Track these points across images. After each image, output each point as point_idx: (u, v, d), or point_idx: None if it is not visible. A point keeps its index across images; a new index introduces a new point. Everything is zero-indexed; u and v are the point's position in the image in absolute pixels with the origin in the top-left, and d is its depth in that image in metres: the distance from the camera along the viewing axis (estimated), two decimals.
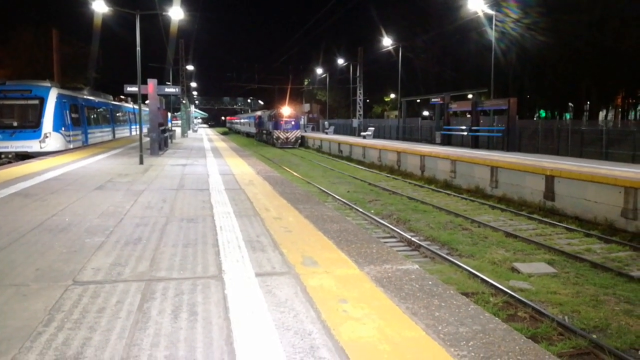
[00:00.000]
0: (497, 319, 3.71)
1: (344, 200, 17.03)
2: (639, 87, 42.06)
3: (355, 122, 50.31)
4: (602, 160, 19.37)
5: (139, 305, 3.83)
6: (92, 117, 27.43)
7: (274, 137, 48.57)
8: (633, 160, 18.86)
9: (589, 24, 33.71)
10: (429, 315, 3.69)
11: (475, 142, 28.36)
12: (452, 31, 43.81)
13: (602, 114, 47.57)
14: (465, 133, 29.35)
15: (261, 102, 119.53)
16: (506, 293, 7.96)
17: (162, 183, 11.24)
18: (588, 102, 45.22)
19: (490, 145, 27.56)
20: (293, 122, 48.85)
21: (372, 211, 15.34)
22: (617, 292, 8.28)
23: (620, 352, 6.05)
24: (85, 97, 26.23)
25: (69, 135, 21.64)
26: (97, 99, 29.05)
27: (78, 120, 23.58)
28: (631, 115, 46.76)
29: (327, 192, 18.95)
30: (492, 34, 29.92)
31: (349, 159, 35.51)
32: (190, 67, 54.45)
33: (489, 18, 30.63)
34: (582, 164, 17.10)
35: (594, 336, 6.56)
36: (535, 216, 14.48)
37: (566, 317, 7.23)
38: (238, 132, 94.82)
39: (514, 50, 39.91)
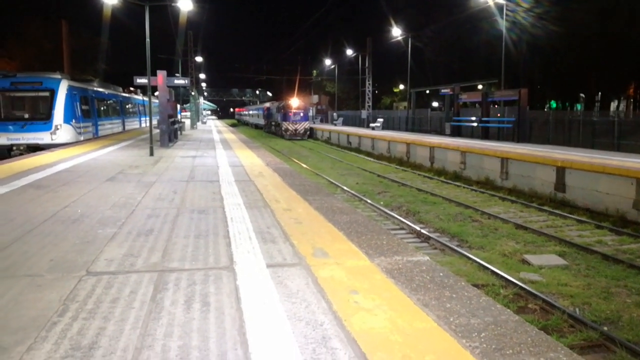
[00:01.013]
0: (508, 310, 3.71)
1: (353, 192, 17.03)
2: None
3: (364, 114, 50.20)
4: (614, 152, 19.20)
5: (152, 295, 3.87)
6: (102, 108, 27.56)
7: (283, 128, 48.55)
8: None
9: (599, 12, 33.29)
10: (440, 306, 3.69)
11: (485, 133, 28.20)
12: (462, 21, 43.46)
13: (613, 105, 47.07)
14: (475, 124, 29.18)
15: (269, 94, 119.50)
16: (517, 285, 7.94)
17: (173, 175, 11.29)
18: (599, 93, 44.76)
19: (500, 136, 27.40)
20: (302, 114, 48.78)
21: (382, 203, 15.32)
22: (629, 284, 8.23)
23: (631, 344, 6.02)
24: (95, 88, 26.35)
25: (80, 127, 21.77)
26: (107, 91, 29.17)
27: (88, 112, 23.71)
28: None
29: (336, 184, 18.95)
30: (502, 24, 29.63)
31: (357, 150, 35.44)
32: (199, 59, 54.52)
33: (500, 8, 30.32)
34: (594, 155, 16.96)
35: (605, 328, 6.54)
36: (545, 208, 14.40)
37: (577, 309, 7.21)
38: (247, 124, 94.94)
39: (524, 40, 39.53)
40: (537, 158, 16.59)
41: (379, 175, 21.81)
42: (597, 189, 13.91)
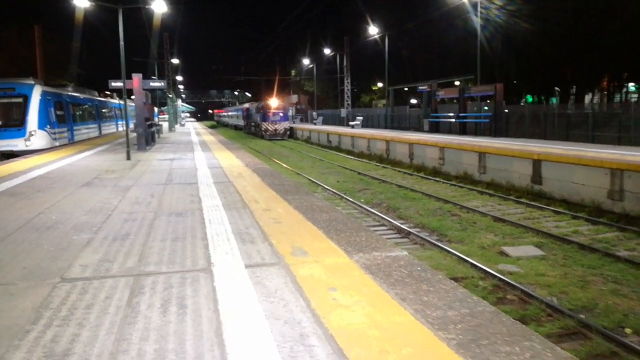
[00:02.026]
0: (485, 302, 3.75)
1: (333, 190, 17.05)
2: (624, 70, 42.33)
3: (343, 112, 50.32)
4: (588, 143, 19.54)
5: (128, 300, 3.82)
6: (78, 113, 27.15)
7: (263, 129, 48.38)
8: (619, 142, 19.05)
9: (573, 10, 33.85)
10: (417, 300, 3.72)
11: (463, 129, 28.48)
12: (438, 18, 43.83)
13: (588, 98, 47.89)
14: (453, 120, 29.46)
15: (248, 95, 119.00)
16: (495, 277, 8.04)
17: (150, 178, 11.18)
18: (574, 86, 45.51)
19: (478, 131, 27.70)
20: (281, 114, 48.67)
21: (362, 200, 15.37)
22: (605, 273, 8.38)
23: (608, 330, 6.14)
24: (70, 93, 25.96)
25: (55, 133, 21.43)
26: (82, 95, 28.75)
27: (63, 117, 23.34)
28: (617, 98, 47.08)
29: (316, 183, 18.96)
30: (477, 21, 29.94)
31: (338, 149, 35.51)
32: (175, 61, 54.06)
33: (474, 5, 30.63)
34: (569, 148, 17.24)
35: (582, 316, 6.65)
36: (523, 200, 14.60)
37: (554, 299, 7.32)
38: (226, 125, 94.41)
39: (499, 36, 40.01)
40: (513, 152, 16.80)
41: (359, 173, 21.88)
42: (573, 180, 14.15)
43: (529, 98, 52.60)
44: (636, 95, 47.19)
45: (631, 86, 48.74)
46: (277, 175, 11.32)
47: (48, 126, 20.65)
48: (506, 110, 26.53)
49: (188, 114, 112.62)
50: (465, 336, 3.11)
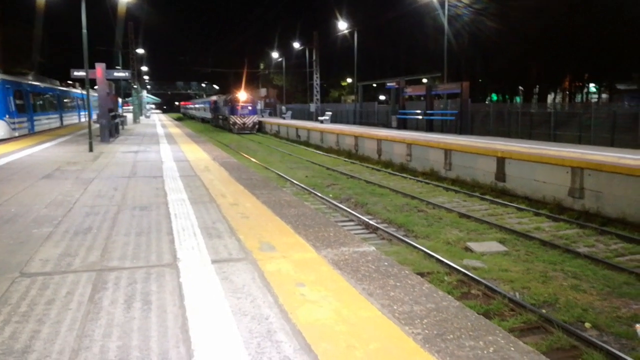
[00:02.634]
0: (450, 297, 3.80)
1: (302, 185, 17.03)
2: (585, 70, 43.58)
3: (312, 107, 50.23)
4: (550, 142, 20.05)
5: (90, 295, 3.73)
6: (38, 103, 26.33)
7: (231, 122, 47.90)
8: (580, 141, 19.62)
9: (536, 9, 34.59)
10: (384, 295, 3.74)
11: (429, 126, 28.81)
12: (407, 15, 44.15)
13: (550, 97, 49.15)
14: (420, 117, 29.77)
15: (216, 87, 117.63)
16: (460, 272, 8.18)
17: (113, 171, 10.93)
18: (537, 86, 46.61)
19: (444, 128, 28.06)
20: (250, 107, 48.28)
21: (331, 195, 15.40)
22: (565, 268, 8.63)
23: (568, 325, 6.32)
24: (30, 82, 25.14)
25: (14, 123, 20.73)
26: (43, 85, 27.89)
27: (23, 107, 22.60)
28: (578, 98, 48.48)
29: (285, 178, 18.90)
30: (445, 19, 30.30)
31: (307, 143, 35.47)
32: (140, 51, 52.95)
33: (442, 3, 30.97)
34: (532, 146, 17.65)
35: (544, 311, 6.82)
36: (487, 197, 14.89)
37: (517, 294, 7.49)
38: (193, 118, 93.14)
39: (465, 35, 40.61)
40: (478, 149, 17.11)
41: (328, 168, 21.91)
42: (535, 178, 14.50)
43: (494, 97, 53.65)
44: (596, 96, 48.68)
45: (592, 87, 50.26)
46: (245, 170, 11.23)
47: (7, 116, 19.96)
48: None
49: (153, 106, 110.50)
50: (431, 331, 3.15)
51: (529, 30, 35.78)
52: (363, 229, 11.54)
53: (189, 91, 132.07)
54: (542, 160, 14.23)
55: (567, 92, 49.44)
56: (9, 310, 3.46)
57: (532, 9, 34.40)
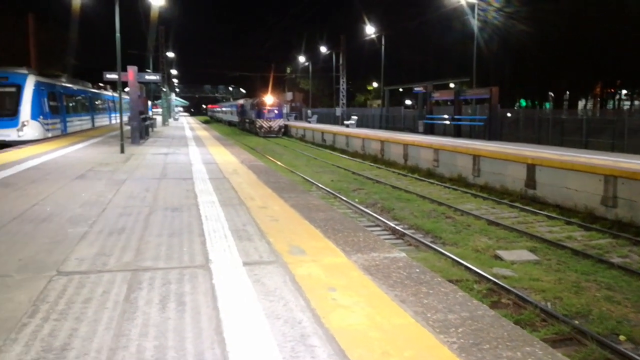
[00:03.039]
0: (484, 305, 3.74)
1: (328, 189, 17.04)
2: (618, 77, 42.64)
3: (338, 111, 50.27)
4: (582, 149, 19.65)
5: (126, 295, 3.78)
6: (71, 105, 26.95)
7: (257, 126, 48.22)
8: (612, 149, 19.17)
9: (568, 13, 34.03)
10: (417, 302, 3.71)
11: (457, 131, 28.54)
12: (436, 19, 43.89)
13: (581, 104, 48.20)
14: (448, 122, 29.51)
15: (243, 91, 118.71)
16: (490, 280, 8.06)
17: (144, 172, 11.10)
18: (567, 92, 45.75)
19: (472, 134, 27.76)
20: (276, 111, 48.54)
21: (357, 200, 15.37)
22: (598, 279, 8.43)
23: (602, 337, 6.16)
24: (63, 84, 25.74)
25: (48, 124, 21.24)
26: (75, 87, 28.53)
27: (56, 108, 23.15)
28: (609, 105, 47.44)
29: (311, 181, 18.94)
30: (474, 23, 30.02)
31: (332, 148, 35.48)
32: (170, 54, 53.80)
33: (472, 7, 30.70)
34: (563, 153, 17.33)
35: (577, 322, 6.68)
36: (516, 204, 14.65)
37: (549, 304, 7.35)
38: (219, 121, 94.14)
39: (496, 39, 40.14)
40: (508, 155, 16.86)
41: (353, 173, 21.88)
42: (567, 185, 14.22)
43: (523, 102, 52.85)
44: (628, 102, 47.57)
45: (624, 93, 49.14)
46: (272, 173, 11.29)
47: (41, 117, 20.46)
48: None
49: (181, 109, 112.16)
50: (467, 340, 3.10)
51: (562, 34, 35.19)
52: (390, 234, 11.47)
53: (216, 94, 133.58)
54: (574, 167, 13.95)
55: (599, 99, 48.43)
56: (47, 308, 3.54)
57: (565, 12, 33.84)
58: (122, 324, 3.28)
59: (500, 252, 9.83)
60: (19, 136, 19.34)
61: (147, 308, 3.55)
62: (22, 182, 9.37)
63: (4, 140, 19.04)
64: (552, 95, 47.11)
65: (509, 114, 26.76)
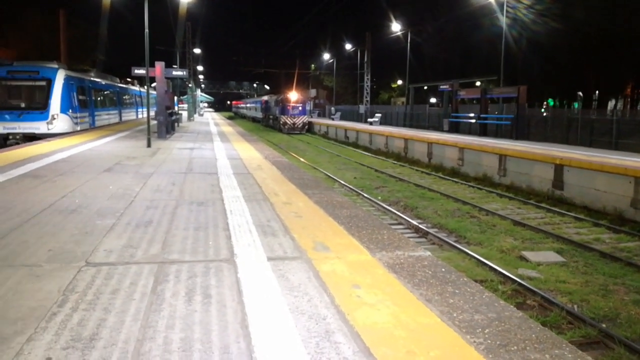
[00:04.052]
0: (512, 306, 3.69)
1: (351, 187, 17.00)
2: None
3: (361, 109, 50.09)
4: (612, 150, 19.22)
5: (153, 287, 3.83)
6: (99, 99, 27.41)
7: (281, 122, 48.34)
8: None
9: (600, 10, 33.29)
10: (443, 302, 3.67)
11: (483, 130, 28.20)
12: (463, 18, 43.38)
13: (610, 104, 47.13)
14: (474, 121, 29.17)
15: (267, 87, 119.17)
16: (515, 281, 7.94)
17: (171, 166, 11.23)
18: (597, 92, 44.77)
19: (498, 133, 27.39)
20: (300, 108, 48.53)
21: (380, 198, 15.31)
22: (627, 282, 8.24)
23: (630, 341, 6.03)
24: (92, 79, 26.18)
25: (76, 117, 21.64)
26: (104, 81, 29.00)
27: (85, 102, 23.57)
28: None
29: (334, 178, 18.92)
30: (503, 21, 29.58)
31: (355, 145, 35.40)
32: (197, 51, 54.26)
33: (501, 4, 30.25)
34: (592, 154, 16.97)
35: (604, 325, 6.54)
36: (543, 205, 14.40)
37: (575, 306, 7.21)
38: (244, 117, 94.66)
39: (525, 37, 39.49)
40: (535, 155, 16.58)
41: (376, 170, 21.79)
42: (595, 187, 13.92)
43: (551, 102, 51.90)
44: None
45: None
46: (295, 169, 11.30)
47: (70, 110, 20.86)
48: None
49: (206, 104, 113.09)
50: (494, 341, 3.06)
51: (592, 32, 34.46)
52: (413, 232, 11.39)
53: (240, 91, 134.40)
54: (604, 169, 13.65)
55: (629, 99, 47.28)
56: (76, 298, 3.60)
57: (596, 9, 33.10)
58: (149, 316, 3.32)
59: (526, 253, 9.68)
60: (48, 129, 19.74)
61: (174, 300, 3.58)
62: (51, 174, 9.56)
63: (34, 133, 19.47)
64: (581, 94, 46.15)
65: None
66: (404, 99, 51.84)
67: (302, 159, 25.45)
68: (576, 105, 45.00)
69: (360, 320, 3.32)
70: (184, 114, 42.74)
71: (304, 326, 3.21)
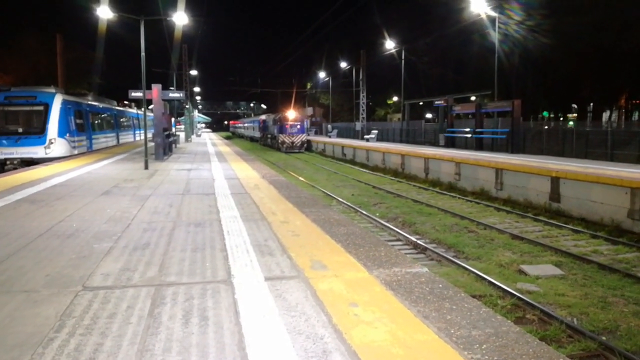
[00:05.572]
0: (509, 321, 3.70)
1: (348, 204, 17.02)
2: None
3: (358, 125, 50.29)
4: (607, 162, 19.31)
5: (150, 310, 3.83)
6: (97, 122, 27.53)
7: (279, 141, 48.36)
8: (639, 161, 18.80)
9: (591, 25, 33.69)
10: (440, 318, 3.68)
11: (479, 144, 28.33)
12: (455, 33, 43.84)
13: (605, 115, 47.46)
14: (469, 135, 29.32)
15: (264, 106, 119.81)
16: (514, 295, 7.93)
17: (168, 188, 11.25)
18: (591, 104, 45.13)
19: (494, 147, 27.53)
20: (299, 126, 48.52)
21: (377, 214, 15.32)
22: (626, 294, 8.23)
23: (630, 354, 6.01)
24: (89, 102, 26.33)
25: (74, 141, 21.72)
26: (101, 105, 29.15)
27: (82, 126, 23.67)
28: (635, 116, 46.60)
29: (331, 196, 18.94)
30: (495, 36, 29.91)
31: (352, 162, 35.50)
32: (193, 72, 54.62)
33: (492, 20, 30.62)
34: (588, 165, 17.05)
35: (604, 338, 6.53)
36: (541, 218, 14.43)
37: (575, 319, 7.20)
38: (241, 137, 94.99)
39: (517, 52, 39.90)
40: (531, 169, 16.66)
41: (374, 187, 21.83)
42: (592, 198, 13.97)
43: (546, 114, 52.25)
44: None
45: None
46: (293, 188, 11.33)
47: (68, 134, 20.94)
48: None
49: (204, 125, 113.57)
50: (491, 356, 3.06)
51: (584, 45, 34.83)
52: (411, 248, 11.39)
53: (237, 110, 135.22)
54: (600, 180, 13.71)
55: (623, 110, 47.63)
56: (73, 323, 3.60)
57: (587, 25, 33.50)
58: (146, 339, 3.32)
59: (525, 267, 9.68)
60: (46, 153, 19.80)
61: (171, 323, 3.58)
62: (48, 198, 9.58)
63: (32, 158, 19.52)
64: (576, 107, 46.51)
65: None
66: (399, 115, 52.10)
67: (299, 177, 25.49)
68: (570, 123, 45.37)
69: (357, 338, 3.32)
70: (182, 135, 42.86)
71: (302, 346, 3.21)
